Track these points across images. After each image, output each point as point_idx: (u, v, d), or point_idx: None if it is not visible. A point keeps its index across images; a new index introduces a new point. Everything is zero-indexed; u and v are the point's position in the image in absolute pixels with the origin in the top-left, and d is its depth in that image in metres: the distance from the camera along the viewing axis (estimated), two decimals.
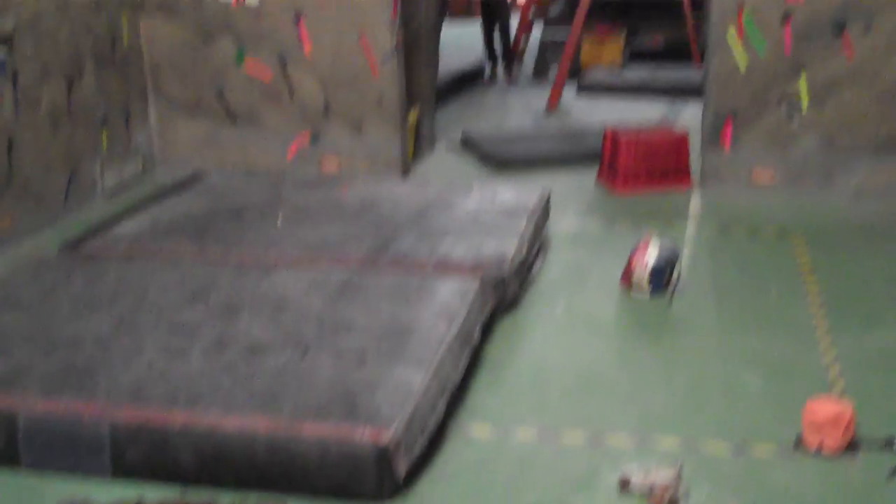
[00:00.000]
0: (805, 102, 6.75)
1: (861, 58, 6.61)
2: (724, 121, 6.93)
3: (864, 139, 6.77)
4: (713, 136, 7.01)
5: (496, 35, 12.77)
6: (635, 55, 12.95)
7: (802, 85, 6.71)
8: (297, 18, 7.26)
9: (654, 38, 13.18)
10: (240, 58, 7.45)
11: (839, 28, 6.56)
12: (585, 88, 11.48)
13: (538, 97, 11.15)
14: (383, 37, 7.25)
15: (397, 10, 7.26)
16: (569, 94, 11.15)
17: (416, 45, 8.21)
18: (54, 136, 6.53)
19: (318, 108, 7.47)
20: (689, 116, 9.46)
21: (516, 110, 10.85)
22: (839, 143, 6.81)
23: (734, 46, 6.75)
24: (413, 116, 7.98)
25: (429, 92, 8.52)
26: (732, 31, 6.73)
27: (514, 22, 12.97)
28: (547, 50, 12.93)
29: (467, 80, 12.12)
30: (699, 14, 10.57)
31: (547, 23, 13.68)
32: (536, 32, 13.55)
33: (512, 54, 12.79)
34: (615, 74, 11.85)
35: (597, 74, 11.79)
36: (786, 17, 6.62)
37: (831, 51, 6.65)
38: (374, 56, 7.27)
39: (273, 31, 7.35)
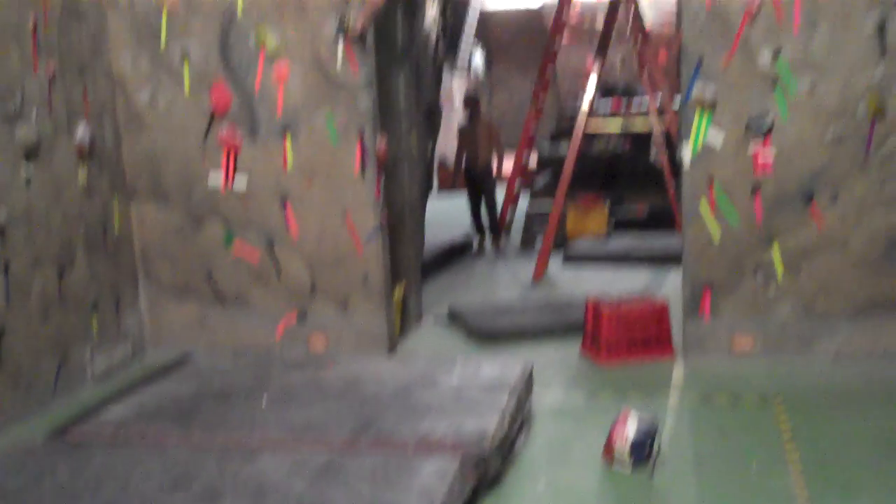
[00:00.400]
0: (780, 270, 6.91)
1: (830, 226, 6.81)
2: (702, 290, 7.08)
3: (840, 305, 6.91)
4: (692, 305, 7.15)
5: (482, 207, 13.08)
6: (620, 224, 13.23)
7: (776, 253, 6.89)
8: (284, 202, 7.49)
9: (638, 207, 13.49)
10: (228, 241, 7.65)
11: (807, 198, 6.77)
12: (571, 258, 11.70)
13: (525, 268, 11.34)
14: (367, 216, 7.45)
15: (380, 189, 7.49)
16: (555, 264, 11.36)
17: (401, 222, 8.43)
18: (44, 323, 6.64)
19: (305, 288, 7.62)
20: (672, 283, 9.62)
21: (504, 282, 11.04)
22: (816, 310, 6.94)
23: (707, 218, 6.95)
24: (399, 292, 8.13)
25: (414, 267, 8.70)
26: (705, 204, 6.94)
27: (501, 194, 13.27)
28: (533, 221, 13.21)
29: (455, 253, 12.35)
30: (680, 182, 10.83)
31: (533, 195, 14.02)
32: (523, 204, 13.86)
33: (499, 226, 13.07)
34: (600, 244, 12.09)
35: (582, 244, 12.03)
36: (755, 189, 6.84)
37: (802, 220, 6.85)
38: (359, 235, 7.46)
39: (260, 215, 7.57)
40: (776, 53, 6.65)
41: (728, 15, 6.69)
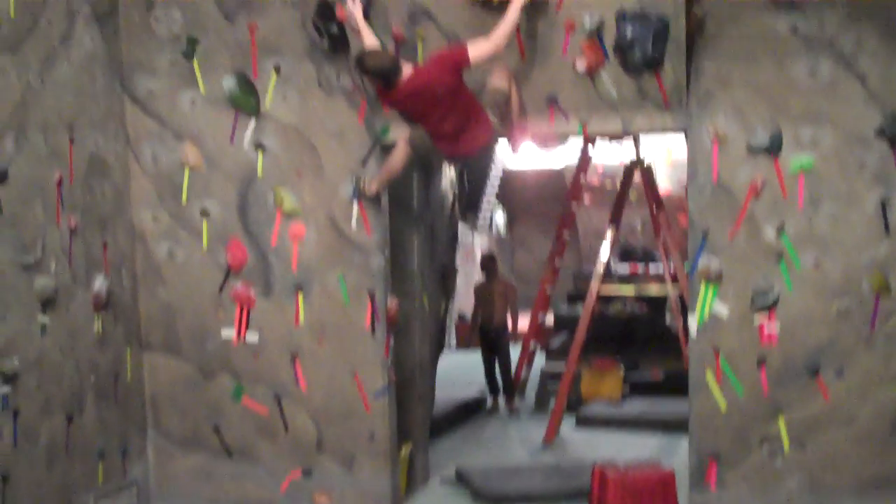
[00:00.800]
0: (786, 443, 6.87)
1: (837, 400, 6.80)
2: (708, 461, 7.03)
3: (847, 480, 6.83)
4: (699, 475, 7.09)
5: (496, 366, 13.09)
6: (635, 388, 13.15)
7: (782, 426, 6.86)
8: (294, 358, 7.57)
9: (654, 371, 13.42)
10: (237, 394, 7.71)
11: (813, 372, 6.79)
12: (584, 421, 11.62)
13: (538, 429, 11.27)
14: (376, 374, 7.52)
15: (390, 348, 7.56)
16: (568, 426, 11.30)
17: (411, 381, 8.47)
18: (50, 471, 6.66)
19: (311, 444, 7.63)
20: (684, 451, 9.50)
21: (515, 443, 10.97)
22: (823, 485, 6.86)
23: (713, 388, 6.96)
24: (405, 451, 8.12)
25: (422, 426, 8.69)
26: (711, 374, 6.96)
27: (516, 353, 13.28)
28: (548, 381, 13.15)
29: (468, 411, 12.30)
30: None
31: (548, 355, 14.01)
32: (539, 363, 13.84)
33: (512, 386, 13.04)
34: (614, 407, 12.01)
35: (596, 407, 11.96)
36: (761, 361, 6.86)
37: (808, 392, 6.84)
38: (367, 393, 7.50)
39: (270, 370, 7.65)
40: (780, 228, 6.77)
41: (733, 190, 6.84)
